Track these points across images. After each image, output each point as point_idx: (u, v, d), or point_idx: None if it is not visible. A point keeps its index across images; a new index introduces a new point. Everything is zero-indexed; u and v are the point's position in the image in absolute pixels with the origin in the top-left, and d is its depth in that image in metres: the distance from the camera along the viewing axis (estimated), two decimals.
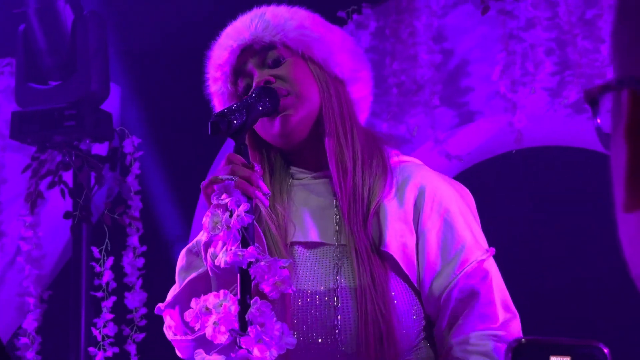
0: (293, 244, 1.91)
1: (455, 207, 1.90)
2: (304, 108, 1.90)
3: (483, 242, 1.91)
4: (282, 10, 1.99)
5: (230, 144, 4.06)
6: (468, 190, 1.98)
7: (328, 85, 1.94)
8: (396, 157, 1.97)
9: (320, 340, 1.83)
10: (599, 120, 0.74)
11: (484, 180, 4.02)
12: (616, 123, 0.72)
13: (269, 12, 1.97)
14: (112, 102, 4.13)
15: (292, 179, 1.98)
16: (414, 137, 3.93)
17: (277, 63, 1.93)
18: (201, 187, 1.75)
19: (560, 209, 3.96)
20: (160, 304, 1.92)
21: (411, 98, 3.94)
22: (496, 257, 1.92)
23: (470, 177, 3.96)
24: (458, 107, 3.96)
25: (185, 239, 3.93)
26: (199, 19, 4.12)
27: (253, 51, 1.94)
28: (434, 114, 3.93)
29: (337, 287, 1.84)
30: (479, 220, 1.95)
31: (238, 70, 1.95)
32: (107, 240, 3.95)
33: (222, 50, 1.96)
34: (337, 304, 1.83)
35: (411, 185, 1.91)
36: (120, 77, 4.40)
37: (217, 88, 1.99)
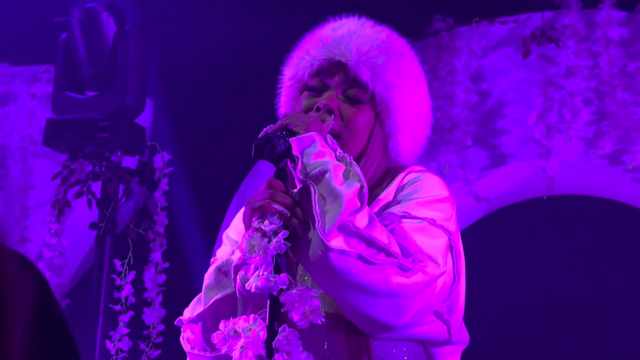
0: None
1: (431, 185, 1.89)
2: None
3: (442, 220, 1.84)
4: (404, 58, 1.97)
5: (257, 168, 4.06)
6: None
7: (375, 151, 1.94)
8: None
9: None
10: None
11: (511, 224, 3.99)
12: None
13: (389, 59, 1.93)
14: (145, 116, 4.14)
15: None
16: (444, 176, 3.91)
17: (354, 101, 1.93)
18: (246, 206, 1.74)
19: (588, 259, 3.92)
20: (182, 317, 1.91)
21: (444, 136, 3.93)
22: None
23: (498, 219, 3.94)
24: (491, 148, 3.94)
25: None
26: (236, 40, 4.14)
27: (346, 72, 1.93)
28: (466, 154, 3.92)
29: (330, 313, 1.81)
30: (455, 225, 1.89)
31: (322, 70, 1.95)
32: (130, 254, 3.94)
33: (323, 51, 1.95)
34: (328, 331, 1.79)
35: (400, 176, 1.93)
36: (155, 92, 4.41)
37: (300, 64, 1.97)
